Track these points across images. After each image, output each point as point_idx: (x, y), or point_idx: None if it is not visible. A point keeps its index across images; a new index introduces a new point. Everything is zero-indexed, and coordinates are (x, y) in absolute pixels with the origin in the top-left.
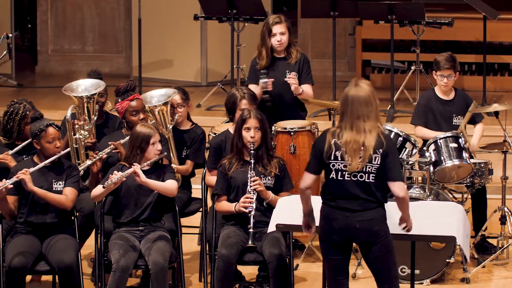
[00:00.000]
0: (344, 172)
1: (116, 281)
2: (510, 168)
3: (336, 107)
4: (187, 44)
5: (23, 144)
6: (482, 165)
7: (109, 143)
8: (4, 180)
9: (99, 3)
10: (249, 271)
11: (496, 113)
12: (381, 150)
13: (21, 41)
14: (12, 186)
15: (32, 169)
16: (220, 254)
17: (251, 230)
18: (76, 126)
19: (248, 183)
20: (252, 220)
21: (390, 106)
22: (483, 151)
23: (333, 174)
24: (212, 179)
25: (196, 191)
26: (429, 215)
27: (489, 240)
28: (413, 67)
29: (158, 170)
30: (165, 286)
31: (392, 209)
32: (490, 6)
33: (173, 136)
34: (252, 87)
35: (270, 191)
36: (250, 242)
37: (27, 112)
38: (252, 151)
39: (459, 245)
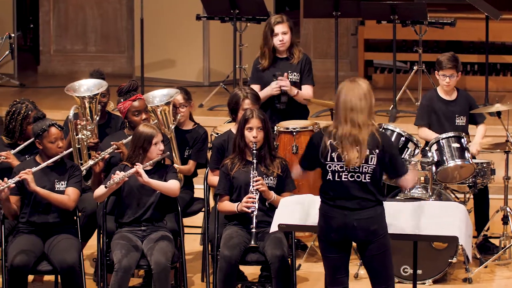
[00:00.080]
0: (340, 173)
1: (118, 281)
2: None
3: None
4: (189, 44)
5: (25, 143)
6: (484, 165)
7: (112, 143)
8: (5, 179)
9: (101, 4)
10: (252, 271)
11: (498, 113)
12: (377, 150)
13: (24, 41)
14: (14, 185)
15: (34, 169)
16: (223, 255)
17: (253, 230)
18: (79, 126)
19: (251, 183)
20: (254, 220)
21: (392, 106)
22: (485, 151)
23: (329, 176)
24: (214, 179)
25: (199, 191)
26: (431, 215)
27: (492, 240)
28: (415, 67)
29: (161, 170)
30: (167, 286)
31: (393, 210)
32: (492, 6)
33: (175, 136)
34: (254, 87)
35: (273, 191)
36: (252, 242)
37: (29, 112)
38: (254, 151)
39: (461, 245)
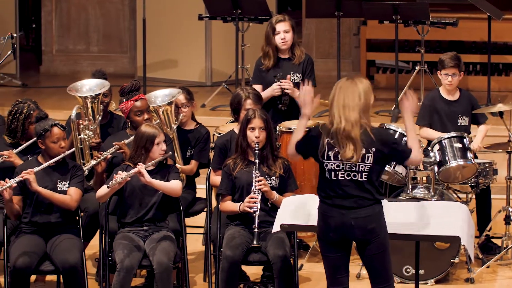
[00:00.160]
0: (337, 172)
1: (120, 281)
2: None
3: None
4: (191, 44)
5: (27, 143)
6: (487, 165)
7: (114, 143)
8: (7, 179)
9: (103, 4)
10: (254, 271)
11: (500, 113)
12: (373, 149)
13: (26, 41)
14: (16, 185)
15: (36, 169)
16: (225, 255)
17: (255, 230)
18: (81, 126)
19: (253, 183)
20: (257, 220)
21: (394, 106)
22: (487, 151)
23: (327, 174)
24: (216, 179)
25: (201, 191)
26: (433, 215)
27: (494, 240)
28: (417, 67)
29: (163, 170)
30: (170, 286)
31: (395, 210)
32: (494, 6)
33: (177, 136)
34: (256, 87)
35: (275, 191)
36: (254, 242)
37: (31, 112)
38: (256, 151)
39: (464, 245)
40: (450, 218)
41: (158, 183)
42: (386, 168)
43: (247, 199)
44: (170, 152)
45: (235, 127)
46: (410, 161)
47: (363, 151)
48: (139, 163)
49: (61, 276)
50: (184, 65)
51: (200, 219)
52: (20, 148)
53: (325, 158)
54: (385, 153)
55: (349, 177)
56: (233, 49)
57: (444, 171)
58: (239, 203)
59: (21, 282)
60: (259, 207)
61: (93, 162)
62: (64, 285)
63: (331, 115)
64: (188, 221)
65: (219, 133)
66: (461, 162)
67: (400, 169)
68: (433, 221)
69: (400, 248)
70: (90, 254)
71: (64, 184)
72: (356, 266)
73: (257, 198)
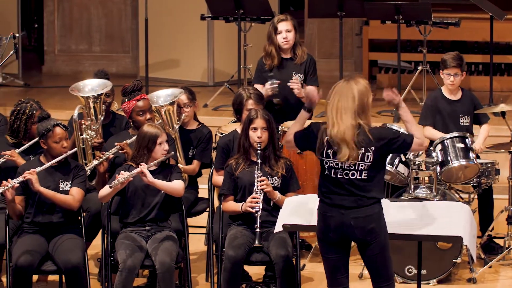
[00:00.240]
0: (336, 170)
1: (122, 281)
2: None
3: None
4: (193, 44)
5: (30, 143)
6: (489, 165)
7: (115, 144)
8: (9, 179)
9: (105, 4)
10: (256, 271)
11: (503, 113)
12: (373, 148)
13: (28, 41)
14: (18, 185)
15: (38, 169)
16: (228, 255)
17: (257, 230)
18: (83, 126)
19: (255, 183)
20: (258, 220)
21: None
22: (489, 151)
23: (327, 171)
24: (219, 179)
25: (203, 191)
26: (435, 215)
27: (496, 240)
28: (420, 67)
29: (165, 170)
30: (172, 286)
31: (398, 210)
32: (497, 6)
33: (179, 136)
34: (258, 87)
35: (277, 191)
36: (256, 242)
37: (34, 112)
38: (259, 151)
39: (466, 245)
40: (452, 218)
41: (160, 183)
42: (388, 168)
43: (249, 199)
44: (172, 152)
45: (238, 127)
46: (414, 148)
47: (362, 150)
48: (141, 163)
49: (63, 276)
50: (186, 65)
51: (202, 219)
52: (22, 148)
53: (325, 156)
54: (385, 150)
55: (347, 176)
56: (235, 49)
57: (446, 171)
58: (241, 203)
59: (23, 281)
60: (261, 207)
61: (95, 162)
62: (66, 285)
63: (327, 118)
64: (190, 221)
65: (222, 133)
66: (463, 162)
67: (402, 169)
68: (435, 221)
69: (402, 248)
70: (92, 254)
71: (66, 184)
72: (358, 266)
73: (259, 198)
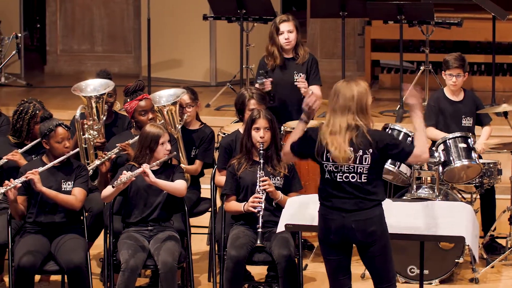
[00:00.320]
0: (336, 173)
1: (125, 281)
2: None
3: None
4: (196, 44)
5: (32, 143)
6: (491, 165)
7: (117, 144)
8: (12, 180)
9: (108, 4)
10: (258, 271)
11: (505, 114)
12: (370, 150)
13: (30, 41)
14: (20, 185)
15: (41, 169)
16: (230, 255)
17: (259, 230)
18: (85, 126)
19: (258, 183)
20: (260, 220)
21: (399, 106)
22: (492, 151)
23: (327, 175)
24: (221, 179)
25: (205, 191)
26: (438, 215)
27: (498, 240)
28: (422, 67)
29: (167, 170)
30: (174, 286)
31: (400, 210)
32: (499, 6)
33: (182, 136)
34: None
35: (280, 191)
36: (258, 242)
37: (37, 112)
38: (261, 151)
39: (468, 245)
40: (454, 218)
41: (162, 183)
42: (390, 168)
43: (251, 199)
44: (175, 152)
45: (240, 127)
46: (412, 160)
47: (360, 152)
48: (143, 163)
49: (65, 276)
50: (189, 65)
51: (204, 219)
52: (25, 148)
53: (324, 159)
54: (383, 154)
55: (347, 179)
56: (237, 49)
57: (448, 171)
58: (244, 203)
59: (26, 281)
60: (263, 207)
61: (97, 162)
62: (69, 285)
63: (326, 118)
64: (193, 221)
65: (224, 133)
66: (465, 162)
67: (404, 169)
68: (437, 221)
69: (405, 248)
70: (94, 254)
71: (69, 184)
72: (360, 267)
73: (261, 198)
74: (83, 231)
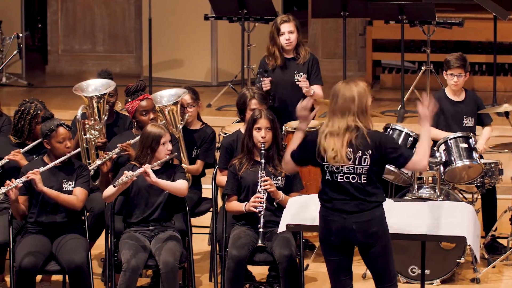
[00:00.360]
0: (337, 174)
1: (126, 281)
2: None
3: None
4: (197, 44)
5: (33, 143)
6: (492, 165)
7: (117, 145)
8: (13, 179)
9: (109, 3)
10: (260, 271)
11: (506, 114)
12: (370, 151)
13: (32, 41)
14: (21, 185)
15: (42, 169)
16: (231, 255)
17: (260, 230)
18: (87, 126)
19: (259, 183)
20: (262, 220)
21: (400, 106)
22: (493, 151)
23: (328, 176)
24: (222, 179)
25: (207, 191)
26: (439, 215)
27: (499, 240)
28: (423, 67)
29: (169, 170)
30: (176, 286)
31: (401, 210)
32: (500, 6)
33: (183, 136)
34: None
35: (281, 191)
36: (260, 242)
37: (39, 112)
38: (262, 151)
39: (469, 245)
40: (456, 218)
41: (164, 183)
42: (391, 168)
43: (252, 199)
44: (176, 153)
45: (241, 127)
46: (410, 166)
47: (359, 153)
48: (145, 163)
49: (67, 276)
50: (190, 65)
51: (206, 219)
52: (26, 148)
53: (325, 160)
54: (381, 156)
55: (348, 180)
56: (239, 49)
57: (450, 171)
58: (245, 203)
59: (27, 281)
60: (264, 207)
61: (98, 162)
62: (70, 285)
63: (326, 119)
64: (194, 221)
65: (225, 133)
66: (467, 162)
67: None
68: (438, 221)
69: (406, 248)
70: (96, 254)
71: (70, 184)
72: (361, 267)
73: (263, 198)
74: (84, 231)
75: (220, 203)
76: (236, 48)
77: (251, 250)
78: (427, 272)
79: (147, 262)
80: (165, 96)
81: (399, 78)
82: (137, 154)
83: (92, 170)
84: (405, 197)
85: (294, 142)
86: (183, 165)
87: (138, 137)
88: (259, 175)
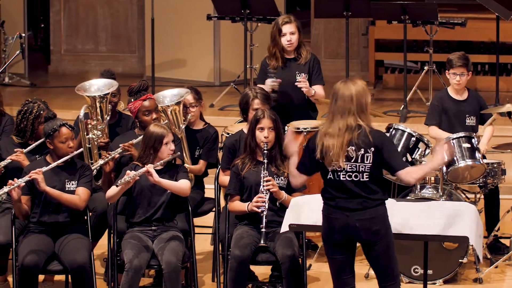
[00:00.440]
0: (339, 173)
1: (129, 281)
2: None
3: None
4: (200, 44)
5: (36, 143)
6: (495, 165)
7: (120, 145)
8: (15, 179)
9: (112, 3)
10: (262, 271)
11: (509, 114)
12: (372, 149)
13: (34, 40)
14: (24, 184)
15: (44, 169)
16: (234, 255)
17: (263, 230)
18: (89, 126)
19: (261, 183)
20: (264, 220)
21: (403, 106)
22: (496, 151)
23: (330, 175)
24: (225, 179)
25: (209, 191)
26: (442, 215)
27: (502, 240)
28: (426, 67)
29: (171, 170)
30: (178, 286)
31: (404, 210)
32: (503, 7)
33: (186, 136)
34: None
35: (283, 191)
36: (262, 242)
37: (41, 112)
38: (265, 151)
39: (472, 245)
40: (458, 218)
41: (166, 182)
42: None
43: (255, 199)
44: (179, 153)
45: (244, 127)
46: (399, 175)
47: (362, 151)
48: (147, 163)
49: (69, 276)
50: (193, 65)
51: (208, 219)
52: (29, 148)
53: (325, 161)
54: (381, 157)
55: (351, 178)
56: (241, 49)
57: (452, 171)
58: (247, 203)
59: (29, 280)
60: (266, 207)
61: (101, 162)
62: (73, 285)
63: (327, 118)
64: (197, 221)
65: (228, 133)
66: (469, 162)
67: None
68: (441, 221)
69: (409, 248)
70: (98, 254)
71: (73, 184)
72: (364, 266)
73: (265, 198)
74: (87, 231)
75: (222, 203)
76: (238, 48)
77: (253, 250)
78: (429, 272)
79: (149, 262)
80: (168, 96)
81: (402, 78)
82: (139, 154)
83: (95, 170)
84: (408, 197)
85: (294, 160)
86: (186, 165)
87: (140, 137)
88: (262, 175)
